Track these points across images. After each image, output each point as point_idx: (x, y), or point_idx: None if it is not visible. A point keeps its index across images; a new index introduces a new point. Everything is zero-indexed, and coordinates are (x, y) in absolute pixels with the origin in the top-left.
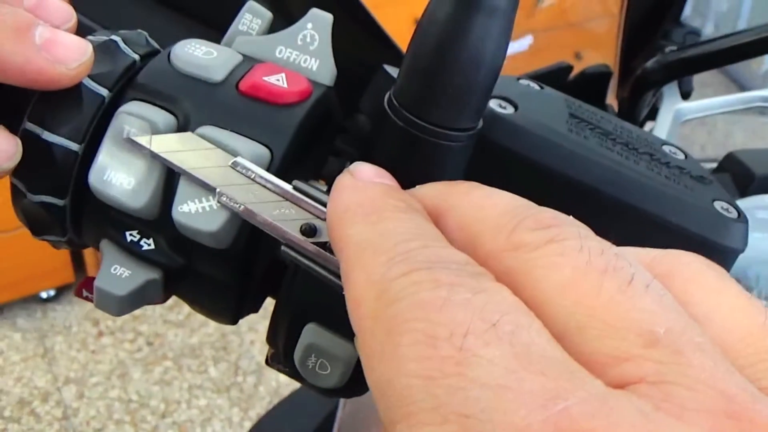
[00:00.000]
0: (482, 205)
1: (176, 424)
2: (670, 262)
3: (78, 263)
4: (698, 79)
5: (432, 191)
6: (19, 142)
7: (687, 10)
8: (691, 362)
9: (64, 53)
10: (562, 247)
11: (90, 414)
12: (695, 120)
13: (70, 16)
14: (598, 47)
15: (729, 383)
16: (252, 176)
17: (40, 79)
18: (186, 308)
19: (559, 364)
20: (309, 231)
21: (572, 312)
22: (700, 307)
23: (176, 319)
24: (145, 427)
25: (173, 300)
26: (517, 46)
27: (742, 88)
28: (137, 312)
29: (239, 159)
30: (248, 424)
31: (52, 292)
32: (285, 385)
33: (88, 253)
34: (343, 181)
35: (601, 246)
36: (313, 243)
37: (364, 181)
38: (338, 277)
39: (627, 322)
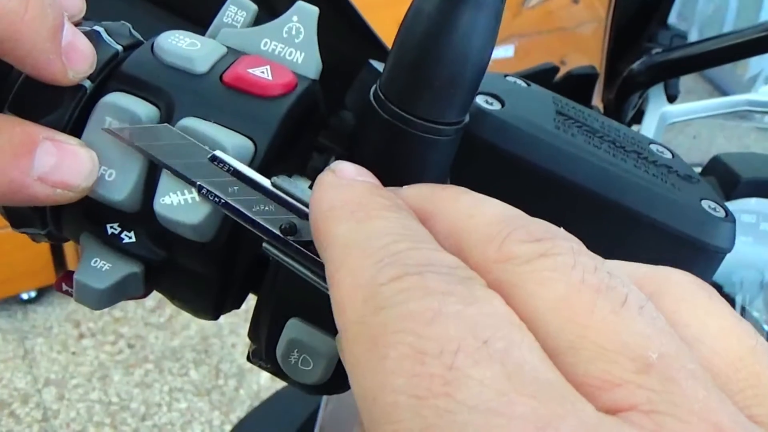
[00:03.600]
0: (471, 213)
1: (157, 427)
2: (661, 280)
3: (59, 264)
4: (682, 87)
5: (419, 193)
6: (95, 157)
7: (672, 15)
8: (683, 391)
9: (78, 61)
10: (555, 263)
11: (70, 416)
12: (680, 124)
13: (82, 8)
14: (585, 51)
15: (721, 415)
16: (230, 171)
17: (49, 78)
18: (168, 311)
19: (551, 387)
20: (289, 229)
21: (564, 330)
22: (690, 329)
23: (157, 322)
24: (125, 429)
25: (155, 302)
26: (502, 51)
27: (726, 95)
28: (118, 314)
29: (218, 153)
30: (229, 428)
31: (32, 294)
32: (266, 388)
33: (70, 255)
34: (325, 178)
35: (594, 263)
36: (294, 242)
37: (347, 179)
38: (320, 276)
39: (620, 345)
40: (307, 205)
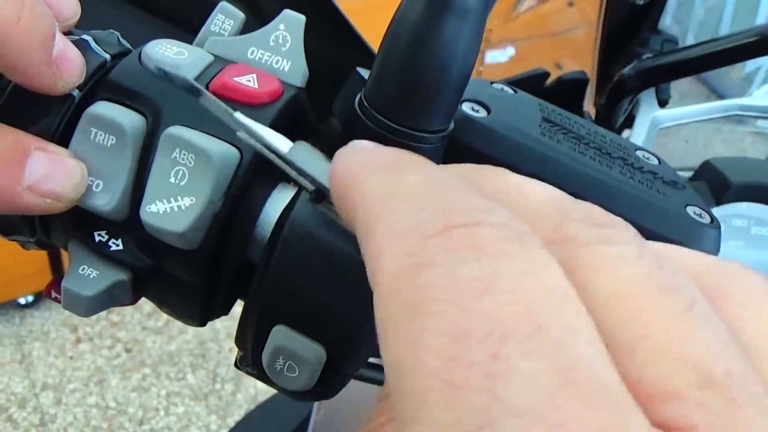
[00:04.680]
0: (521, 190)
1: (154, 431)
2: (726, 277)
3: (56, 269)
4: (678, 90)
5: (457, 170)
6: (85, 168)
7: (667, 20)
8: (746, 417)
9: (68, 71)
10: (618, 251)
11: (67, 420)
12: (673, 128)
13: (77, 12)
14: (578, 56)
15: None
16: (249, 134)
17: (39, 87)
18: (165, 315)
19: (605, 391)
20: (317, 196)
21: (624, 326)
22: (753, 338)
23: (155, 326)
24: None
25: (152, 307)
26: (498, 55)
27: (722, 98)
28: (115, 318)
29: (237, 115)
30: None
31: (30, 298)
32: (263, 392)
33: (67, 259)
34: (346, 149)
35: (660, 260)
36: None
37: (372, 146)
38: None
39: (684, 353)
40: (315, 180)
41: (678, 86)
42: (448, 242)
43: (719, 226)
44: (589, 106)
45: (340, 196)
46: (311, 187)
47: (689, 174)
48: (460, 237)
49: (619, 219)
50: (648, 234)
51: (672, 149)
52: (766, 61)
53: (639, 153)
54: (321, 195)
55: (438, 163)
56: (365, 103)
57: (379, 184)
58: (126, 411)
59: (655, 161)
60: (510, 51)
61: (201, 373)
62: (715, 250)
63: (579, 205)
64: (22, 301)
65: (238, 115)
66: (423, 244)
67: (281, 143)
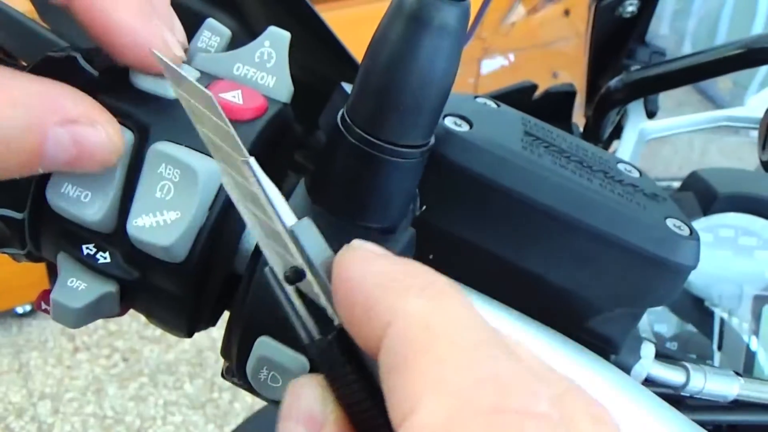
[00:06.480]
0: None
1: None
2: None
3: (55, 279)
4: (675, 98)
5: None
6: (124, 135)
7: (664, 29)
8: None
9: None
10: None
11: (65, 430)
12: (668, 137)
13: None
14: (573, 66)
15: None
16: (254, 188)
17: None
18: None
19: None
20: (294, 277)
21: None
22: None
23: (152, 335)
24: None
25: None
26: (493, 65)
27: (717, 106)
28: (113, 328)
29: (252, 162)
30: None
31: (27, 308)
32: (260, 401)
33: None
34: (354, 248)
35: None
36: (296, 289)
37: (386, 254)
38: (306, 324)
39: None
40: (311, 264)
41: (673, 94)
42: (498, 429)
43: (698, 238)
44: (578, 117)
45: (348, 298)
46: (289, 266)
47: (678, 184)
48: (509, 427)
49: (610, 417)
50: (627, 246)
51: (668, 158)
52: (759, 68)
53: (620, 166)
54: (298, 276)
55: (419, 177)
56: (347, 118)
57: (419, 311)
58: (123, 420)
59: (637, 174)
60: (505, 61)
61: (198, 382)
62: (694, 262)
63: (572, 385)
64: (19, 310)
65: (253, 163)
66: (472, 419)
67: (288, 215)
